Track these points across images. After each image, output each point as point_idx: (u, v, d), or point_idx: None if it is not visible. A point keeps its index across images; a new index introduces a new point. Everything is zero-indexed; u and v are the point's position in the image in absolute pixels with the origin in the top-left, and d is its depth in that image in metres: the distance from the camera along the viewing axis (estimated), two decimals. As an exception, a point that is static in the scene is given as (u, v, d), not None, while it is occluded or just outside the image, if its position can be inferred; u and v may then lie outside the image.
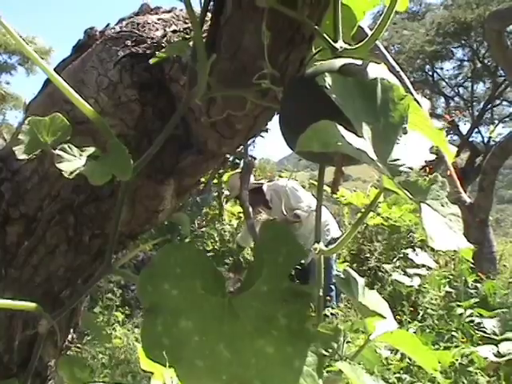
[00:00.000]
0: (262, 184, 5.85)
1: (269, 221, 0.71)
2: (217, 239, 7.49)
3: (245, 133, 0.98)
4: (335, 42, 0.81)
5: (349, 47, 0.80)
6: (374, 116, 0.68)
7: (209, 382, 0.58)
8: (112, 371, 3.71)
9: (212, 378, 0.58)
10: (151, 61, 0.94)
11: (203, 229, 7.57)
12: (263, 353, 0.61)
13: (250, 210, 4.73)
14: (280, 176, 8.22)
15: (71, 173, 0.71)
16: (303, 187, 6.78)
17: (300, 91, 0.76)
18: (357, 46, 0.81)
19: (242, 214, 7.69)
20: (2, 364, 1.04)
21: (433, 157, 0.73)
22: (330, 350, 0.64)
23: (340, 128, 0.57)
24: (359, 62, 0.75)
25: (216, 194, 7.90)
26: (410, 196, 0.64)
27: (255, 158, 5.42)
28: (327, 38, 0.80)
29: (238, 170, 6.00)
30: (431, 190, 0.70)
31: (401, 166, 0.67)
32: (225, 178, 7.06)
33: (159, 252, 0.67)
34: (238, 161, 6.52)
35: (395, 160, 0.67)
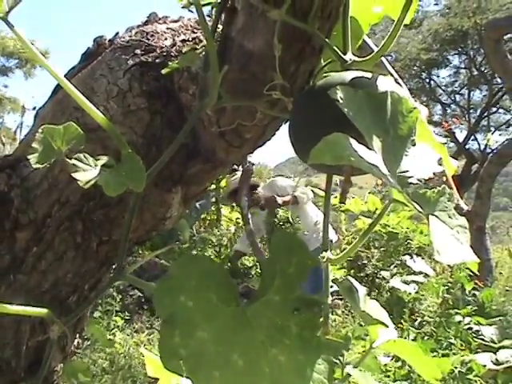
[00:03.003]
0: (258, 185, 5.68)
1: (280, 232, 0.72)
2: (215, 244, 7.50)
3: (253, 142, 0.99)
4: (344, 54, 0.82)
5: (358, 59, 0.82)
6: (384, 128, 0.69)
7: (224, 392, 0.59)
8: (112, 376, 3.71)
9: (227, 388, 0.59)
10: (163, 71, 0.95)
11: (202, 234, 7.58)
12: (276, 361, 0.62)
13: (249, 216, 4.72)
14: (278, 182, 8.23)
15: (87, 183, 0.72)
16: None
17: (311, 103, 0.77)
18: (366, 58, 0.82)
19: (239, 220, 7.70)
20: (10, 368, 1.05)
21: (441, 168, 0.74)
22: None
23: (352, 141, 0.59)
24: (369, 75, 0.76)
25: (214, 199, 7.91)
26: (420, 209, 0.65)
27: (253, 164, 5.36)
28: (337, 50, 0.82)
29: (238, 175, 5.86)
30: (439, 201, 0.71)
31: (410, 177, 0.69)
32: (222, 183, 7.06)
33: (174, 264, 0.68)
34: (235, 166, 6.51)
35: (404, 172, 0.69)
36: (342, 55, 0.82)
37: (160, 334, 0.63)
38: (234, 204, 6.53)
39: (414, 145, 0.72)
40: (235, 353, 0.61)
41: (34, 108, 13.20)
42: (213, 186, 7.29)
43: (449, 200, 0.72)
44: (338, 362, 0.65)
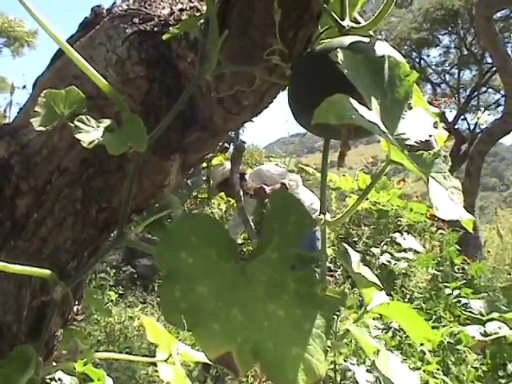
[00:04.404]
0: (245, 173, 5.73)
1: (279, 191, 0.74)
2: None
3: (251, 109, 1.01)
4: (342, 20, 0.84)
5: (355, 25, 0.83)
6: (382, 92, 0.71)
7: (224, 345, 0.60)
8: (107, 347, 3.76)
9: (227, 341, 0.61)
10: (164, 37, 0.96)
11: (193, 212, 7.61)
12: (275, 316, 0.64)
13: (241, 193, 4.75)
14: (269, 161, 8.25)
15: (90, 143, 0.74)
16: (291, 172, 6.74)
17: (310, 67, 0.79)
18: (363, 24, 0.84)
19: (230, 199, 7.71)
20: (11, 333, 1.06)
21: (437, 131, 0.76)
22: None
23: (353, 101, 0.61)
24: (367, 40, 0.78)
25: (205, 178, 7.92)
26: (418, 167, 0.67)
27: (245, 142, 5.38)
28: (335, 16, 0.83)
29: (223, 161, 5.93)
30: (435, 163, 0.73)
31: (406, 139, 0.71)
32: (214, 161, 7.08)
33: (175, 221, 0.70)
34: (227, 145, 6.51)
35: (401, 134, 0.71)
36: (340, 21, 0.83)
37: (161, 289, 0.65)
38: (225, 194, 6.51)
39: (411, 108, 0.74)
40: (235, 307, 0.63)
41: (25, 86, 13.06)
42: (204, 164, 7.31)
43: (443, 162, 0.74)
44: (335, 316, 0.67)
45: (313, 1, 0.82)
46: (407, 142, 0.71)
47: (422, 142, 0.73)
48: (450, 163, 0.75)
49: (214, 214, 7.75)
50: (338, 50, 0.67)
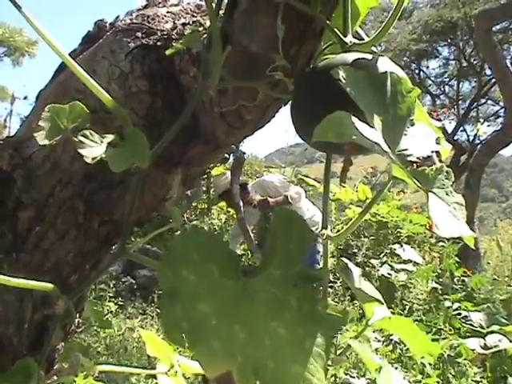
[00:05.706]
0: (247, 183, 5.73)
1: (281, 207, 0.74)
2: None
3: (254, 123, 1.01)
4: (345, 36, 0.84)
5: (358, 41, 0.84)
6: (384, 108, 0.71)
7: (225, 363, 0.60)
8: (106, 359, 3.75)
9: (228, 359, 0.60)
10: (167, 52, 0.97)
11: (193, 222, 7.62)
12: (276, 334, 0.64)
13: (241, 204, 4.74)
14: (269, 171, 8.26)
15: (93, 159, 0.74)
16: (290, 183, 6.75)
17: (313, 83, 0.79)
18: (366, 40, 0.84)
19: (230, 209, 7.72)
20: (13, 346, 1.06)
21: (439, 147, 0.76)
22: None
23: (354, 119, 0.61)
24: (369, 56, 0.78)
25: (205, 188, 7.93)
26: (419, 184, 0.67)
27: (245, 153, 5.39)
28: (338, 32, 0.83)
29: (224, 171, 5.95)
30: (437, 179, 0.73)
31: (409, 155, 0.71)
32: (213, 172, 7.07)
33: (176, 238, 0.70)
34: (226, 155, 6.52)
35: (403, 150, 0.71)
36: (343, 37, 0.84)
37: (162, 307, 0.64)
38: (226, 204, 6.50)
39: (413, 124, 0.74)
40: (236, 325, 0.63)
41: (26, 97, 13.10)
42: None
43: (446, 178, 0.74)
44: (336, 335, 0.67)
45: (316, 17, 0.83)
46: (409, 158, 0.71)
47: (424, 157, 0.73)
48: (453, 179, 0.76)
49: (214, 224, 7.75)
50: (340, 67, 0.68)
